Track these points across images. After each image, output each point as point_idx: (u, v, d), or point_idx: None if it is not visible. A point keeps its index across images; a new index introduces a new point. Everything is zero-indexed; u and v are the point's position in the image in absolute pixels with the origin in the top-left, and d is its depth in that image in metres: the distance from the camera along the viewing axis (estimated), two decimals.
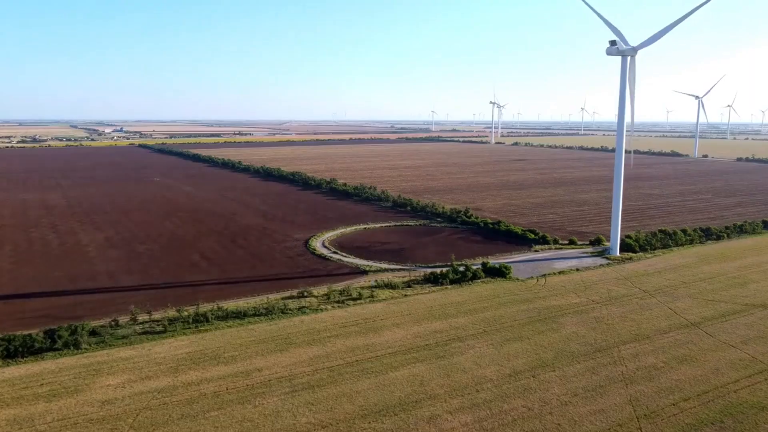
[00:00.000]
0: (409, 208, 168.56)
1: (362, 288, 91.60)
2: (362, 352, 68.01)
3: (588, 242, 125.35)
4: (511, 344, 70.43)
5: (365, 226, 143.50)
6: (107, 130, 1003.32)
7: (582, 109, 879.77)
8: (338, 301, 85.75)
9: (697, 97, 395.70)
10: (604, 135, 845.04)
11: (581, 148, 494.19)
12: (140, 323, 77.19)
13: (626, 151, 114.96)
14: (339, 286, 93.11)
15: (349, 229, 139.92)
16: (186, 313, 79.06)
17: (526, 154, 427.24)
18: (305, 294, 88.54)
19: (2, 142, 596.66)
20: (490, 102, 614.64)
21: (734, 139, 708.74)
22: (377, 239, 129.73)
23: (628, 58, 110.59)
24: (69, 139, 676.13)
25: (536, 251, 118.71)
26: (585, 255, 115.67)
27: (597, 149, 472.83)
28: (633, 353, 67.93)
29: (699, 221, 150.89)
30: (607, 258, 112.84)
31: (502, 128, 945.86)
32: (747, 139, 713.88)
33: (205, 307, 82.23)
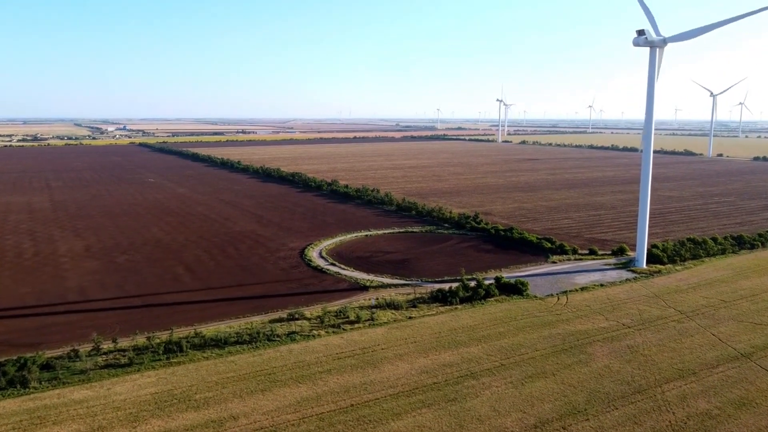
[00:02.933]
0: (413, 212, 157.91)
1: (361, 308, 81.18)
2: (358, 393, 57.56)
3: (610, 252, 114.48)
4: (533, 382, 59.83)
5: (367, 233, 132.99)
6: (110, 128, 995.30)
7: (590, 106, 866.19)
8: (333, 325, 75.31)
9: (711, 94, 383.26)
10: (612, 133, 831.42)
11: (591, 146, 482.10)
12: (104, 353, 66.98)
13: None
14: (335, 305, 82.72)
15: (349, 237, 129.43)
16: (157, 341, 68.88)
17: (534, 153, 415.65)
18: (296, 316, 78.14)
19: (2, 141, 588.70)
20: (497, 100, 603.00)
21: (746, 137, 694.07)
22: (379, 248, 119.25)
23: (657, 50, 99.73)
24: (70, 138, 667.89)
25: (554, 262, 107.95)
26: (608, 267, 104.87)
27: (607, 148, 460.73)
28: (679, 395, 57.23)
29: (727, 227, 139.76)
30: (632, 271, 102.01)
31: (508, 126, 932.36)
32: (759, 137, 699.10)
33: (180, 333, 72.14)
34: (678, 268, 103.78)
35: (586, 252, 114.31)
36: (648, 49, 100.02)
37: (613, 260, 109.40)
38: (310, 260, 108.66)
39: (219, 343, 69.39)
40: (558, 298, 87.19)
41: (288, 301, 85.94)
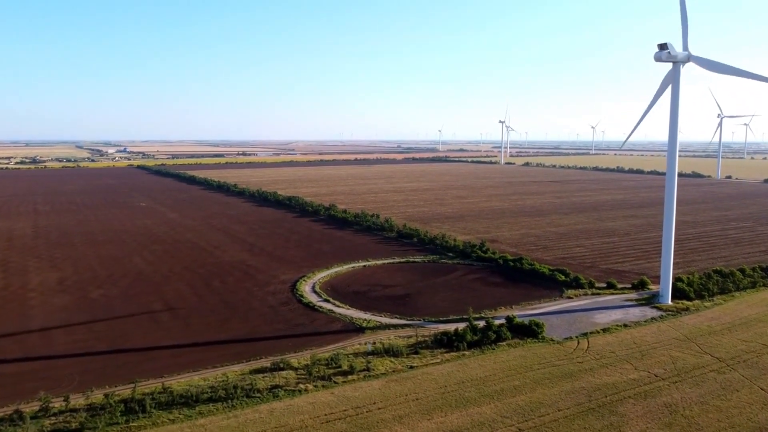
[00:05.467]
0: (415, 239, 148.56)
1: (356, 355, 71.58)
2: None
3: (630, 285, 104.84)
4: None
5: (365, 263, 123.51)
6: (110, 150, 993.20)
7: (592, 128, 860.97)
8: (323, 377, 65.60)
9: (719, 115, 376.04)
10: (615, 154, 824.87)
11: (596, 168, 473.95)
12: (53, 414, 57.31)
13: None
14: (326, 351, 73.13)
15: (345, 267, 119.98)
16: (117, 398, 59.23)
17: (538, 175, 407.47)
18: (281, 365, 68.47)
19: (1, 163, 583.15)
20: (500, 121, 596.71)
21: (752, 158, 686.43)
22: (378, 281, 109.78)
23: (681, 65, 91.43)
24: (69, 160, 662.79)
25: (569, 298, 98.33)
26: (630, 303, 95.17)
27: (612, 170, 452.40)
28: None
29: (751, 256, 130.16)
30: (657, 308, 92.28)
31: (510, 147, 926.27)
32: (766, 158, 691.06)
33: (146, 387, 62.54)
34: (707, 304, 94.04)
35: (604, 285, 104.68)
36: (671, 65, 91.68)
37: (634, 295, 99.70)
38: (302, 295, 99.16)
39: (189, 401, 59.69)
40: (578, 342, 77.45)
41: (273, 345, 76.46)
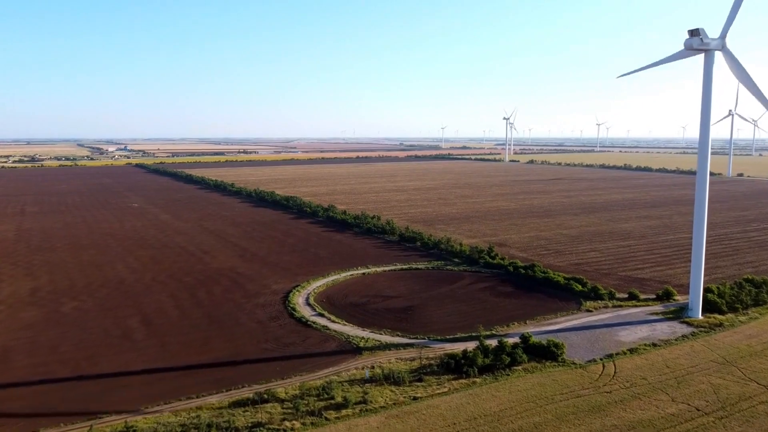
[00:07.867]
0: (418, 243, 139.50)
1: (351, 383, 62.77)
2: None
3: (654, 296, 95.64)
4: None
5: (364, 271, 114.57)
6: (111, 148, 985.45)
7: (597, 125, 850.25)
8: (312, 413, 56.64)
9: (729, 112, 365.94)
10: (621, 152, 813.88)
11: (602, 166, 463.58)
12: None
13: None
14: (317, 378, 64.35)
15: (343, 275, 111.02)
16: None
17: (544, 173, 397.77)
18: (265, 396, 59.61)
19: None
20: (504, 118, 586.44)
21: (760, 155, 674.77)
22: (378, 291, 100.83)
23: (715, 53, 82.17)
24: (68, 159, 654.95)
25: (589, 311, 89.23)
26: (655, 317, 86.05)
27: (620, 167, 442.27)
28: None
29: None
30: (687, 323, 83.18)
31: (514, 145, 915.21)
32: None
33: (105, 425, 53.97)
34: (741, 318, 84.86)
35: (626, 296, 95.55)
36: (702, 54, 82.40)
37: (659, 307, 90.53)
38: (294, 308, 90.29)
39: None
40: (603, 366, 68.41)
41: (259, 369, 67.71)
